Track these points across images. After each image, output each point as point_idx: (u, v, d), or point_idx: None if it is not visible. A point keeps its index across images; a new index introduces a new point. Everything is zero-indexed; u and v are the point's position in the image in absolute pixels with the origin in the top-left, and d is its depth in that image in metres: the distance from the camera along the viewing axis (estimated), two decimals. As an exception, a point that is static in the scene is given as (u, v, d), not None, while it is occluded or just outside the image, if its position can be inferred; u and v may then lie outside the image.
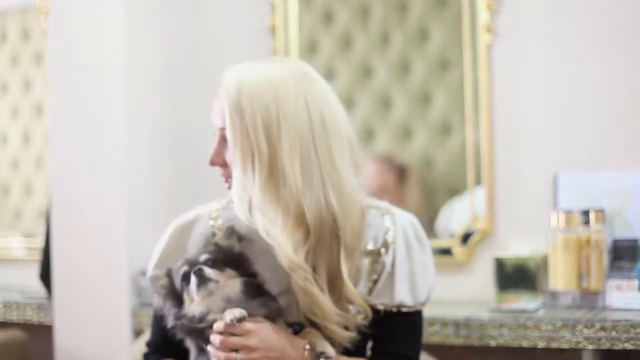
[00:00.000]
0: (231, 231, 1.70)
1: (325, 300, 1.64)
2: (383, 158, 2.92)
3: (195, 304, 1.64)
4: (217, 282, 1.63)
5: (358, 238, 1.71)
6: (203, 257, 1.66)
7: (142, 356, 1.89)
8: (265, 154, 1.62)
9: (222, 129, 1.69)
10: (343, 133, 1.70)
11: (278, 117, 1.63)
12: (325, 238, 1.66)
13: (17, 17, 3.68)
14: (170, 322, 1.69)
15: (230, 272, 1.66)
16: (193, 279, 1.62)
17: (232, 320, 1.59)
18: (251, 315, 1.62)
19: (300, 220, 1.63)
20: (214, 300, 1.63)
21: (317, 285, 1.64)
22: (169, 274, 1.70)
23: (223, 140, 1.69)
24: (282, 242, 1.62)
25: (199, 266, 1.63)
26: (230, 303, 1.63)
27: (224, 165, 1.71)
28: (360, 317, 1.71)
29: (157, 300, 1.71)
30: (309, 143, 1.65)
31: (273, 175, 1.63)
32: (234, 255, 1.68)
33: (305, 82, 1.68)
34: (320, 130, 1.66)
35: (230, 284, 1.64)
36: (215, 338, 1.61)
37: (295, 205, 1.63)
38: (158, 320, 1.78)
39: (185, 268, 1.66)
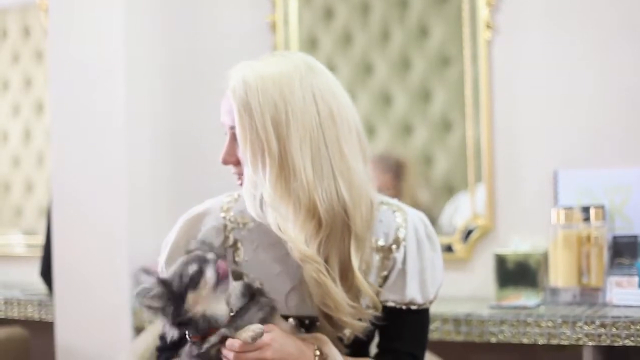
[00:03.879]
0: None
1: (337, 291, 1.65)
2: (380, 157, 2.92)
3: (199, 305, 1.61)
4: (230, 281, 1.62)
5: (368, 227, 1.71)
6: (210, 255, 1.64)
7: (156, 349, 1.88)
8: (275, 150, 1.63)
9: (233, 128, 1.69)
10: (351, 123, 1.70)
11: (286, 113, 1.64)
12: (336, 229, 1.66)
13: (17, 14, 3.68)
14: (169, 333, 1.65)
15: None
16: (211, 274, 1.60)
17: (252, 339, 1.58)
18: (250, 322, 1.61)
19: (312, 213, 1.64)
20: (219, 302, 1.62)
21: (329, 277, 1.65)
22: (162, 282, 1.63)
23: (234, 138, 1.70)
24: (294, 236, 1.63)
25: (219, 261, 1.61)
26: (231, 306, 1.62)
27: (237, 163, 1.72)
28: (371, 310, 1.72)
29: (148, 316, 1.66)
30: (318, 136, 1.65)
31: (283, 171, 1.63)
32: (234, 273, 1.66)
33: (310, 75, 1.68)
34: (328, 122, 1.66)
35: (233, 285, 1.64)
36: (229, 354, 1.60)
37: (307, 199, 1.63)
38: None
39: (194, 267, 1.62)
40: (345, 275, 1.68)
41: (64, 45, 2.97)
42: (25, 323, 3.18)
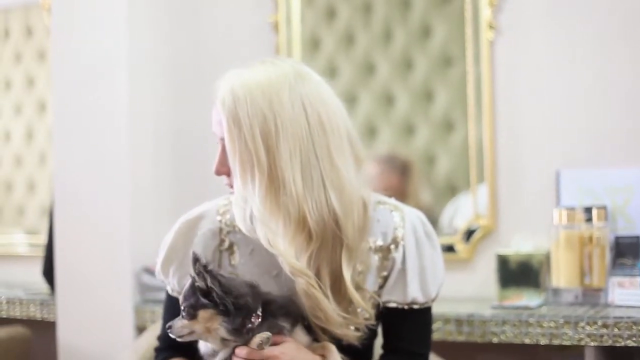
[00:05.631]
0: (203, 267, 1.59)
1: (327, 304, 1.65)
2: (385, 157, 2.92)
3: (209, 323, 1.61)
4: (191, 333, 1.59)
5: (361, 236, 1.71)
6: (184, 304, 1.60)
7: (154, 350, 1.88)
8: (264, 163, 1.61)
9: (223, 139, 1.68)
10: (342, 128, 1.68)
11: (275, 124, 1.62)
12: (327, 241, 1.66)
13: (20, 13, 3.68)
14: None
15: (205, 312, 1.58)
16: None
17: (259, 346, 1.58)
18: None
19: (302, 225, 1.63)
20: (211, 340, 1.61)
21: (320, 290, 1.64)
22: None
23: (225, 149, 1.68)
24: (284, 251, 1.63)
25: (170, 323, 1.60)
26: (226, 341, 1.60)
27: (230, 174, 1.70)
28: (367, 316, 1.72)
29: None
30: (308, 146, 1.64)
31: (273, 184, 1.62)
32: (208, 289, 1.58)
33: (299, 83, 1.66)
34: (318, 130, 1.64)
35: (213, 325, 1.59)
36: None
37: (296, 211, 1.62)
38: (170, 312, 1.77)
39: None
40: (338, 287, 1.68)
41: (67, 45, 2.97)
42: (28, 322, 3.18)
